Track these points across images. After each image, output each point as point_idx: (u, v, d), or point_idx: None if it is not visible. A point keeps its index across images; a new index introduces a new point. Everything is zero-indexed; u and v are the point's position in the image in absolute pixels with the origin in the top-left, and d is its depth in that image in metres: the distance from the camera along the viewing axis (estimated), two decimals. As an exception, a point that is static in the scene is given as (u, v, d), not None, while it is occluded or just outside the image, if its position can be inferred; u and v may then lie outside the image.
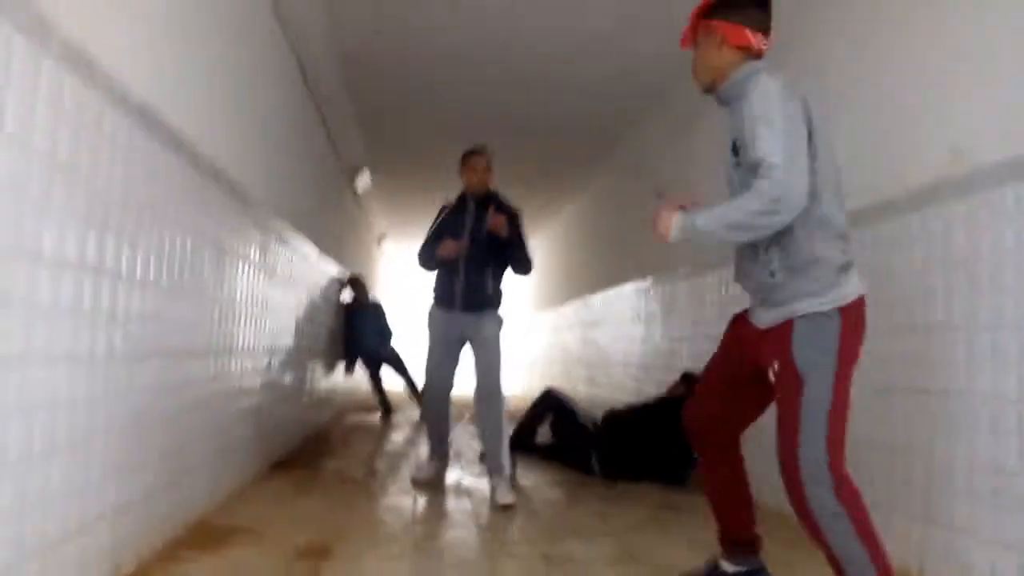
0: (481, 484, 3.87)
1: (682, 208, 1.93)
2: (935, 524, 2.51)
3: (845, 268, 1.86)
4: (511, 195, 3.97)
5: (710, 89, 2.08)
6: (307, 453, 4.63)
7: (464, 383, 3.85)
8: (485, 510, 3.32)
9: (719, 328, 4.42)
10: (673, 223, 1.90)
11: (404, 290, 15.53)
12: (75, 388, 1.76)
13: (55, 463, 1.69)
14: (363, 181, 7.28)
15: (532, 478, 4.14)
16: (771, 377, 1.86)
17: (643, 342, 5.98)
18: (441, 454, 3.99)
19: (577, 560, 2.57)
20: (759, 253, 1.91)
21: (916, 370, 2.65)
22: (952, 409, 2.47)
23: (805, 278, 1.83)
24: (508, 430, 3.71)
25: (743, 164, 1.88)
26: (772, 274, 1.88)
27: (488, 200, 3.79)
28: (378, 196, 8.82)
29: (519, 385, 12.85)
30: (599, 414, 4.91)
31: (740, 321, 2.10)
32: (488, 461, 3.65)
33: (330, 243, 6.04)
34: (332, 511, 3.09)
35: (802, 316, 1.83)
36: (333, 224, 6.31)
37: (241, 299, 3.24)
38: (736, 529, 2.22)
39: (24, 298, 1.53)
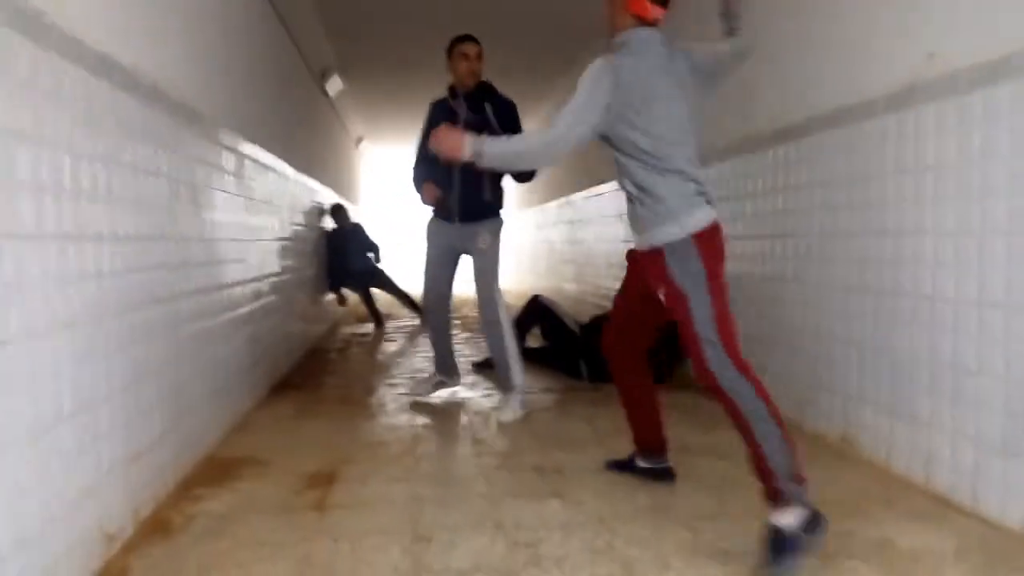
0: (475, 396, 4.04)
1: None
2: (901, 418, 2.67)
3: (691, 203, 2.19)
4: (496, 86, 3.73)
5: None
6: (306, 372, 4.77)
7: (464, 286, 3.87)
8: (480, 423, 3.48)
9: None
10: (465, 144, 2.21)
11: (384, 191, 15.45)
12: (75, 352, 1.82)
13: (64, 427, 1.77)
14: (334, 85, 7.10)
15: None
16: (663, 299, 2.23)
17: (627, 242, 6.05)
18: (447, 368, 4.03)
19: (567, 470, 2.74)
20: (630, 197, 2.31)
21: (887, 272, 2.74)
22: (918, 310, 2.58)
23: (656, 213, 2.21)
24: (512, 341, 3.66)
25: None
26: (636, 208, 2.28)
27: (481, 94, 3.62)
28: (353, 100, 8.61)
29: (508, 281, 13.02)
30: (586, 316, 5.05)
31: (633, 253, 2.45)
32: (499, 376, 3.74)
33: (306, 156, 5.95)
34: (335, 435, 3.23)
35: (667, 245, 2.18)
36: (308, 136, 6.19)
37: (223, 232, 3.25)
38: (646, 433, 2.65)
39: (10, 275, 1.56)
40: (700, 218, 2.19)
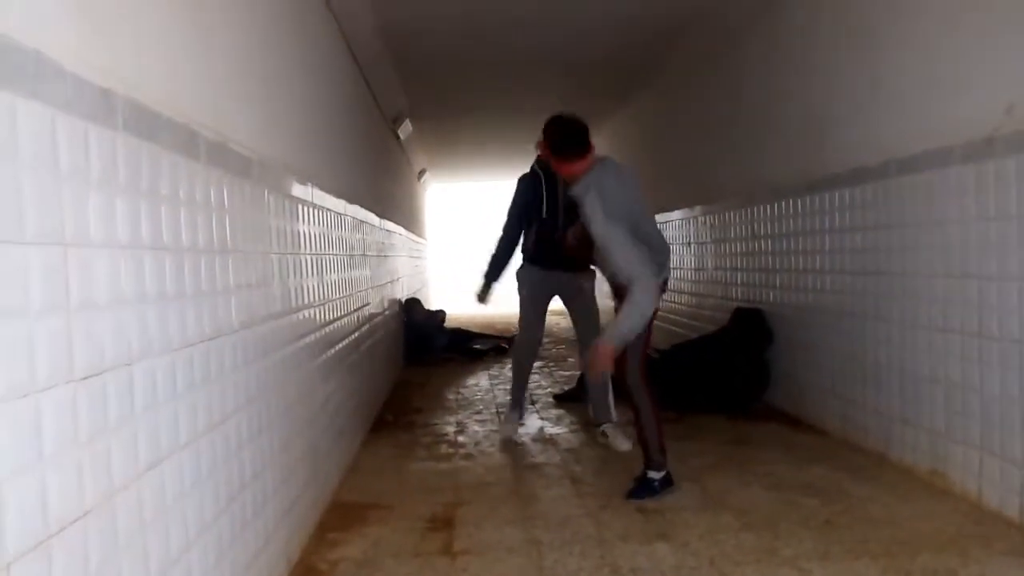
0: (562, 431, 4.24)
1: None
2: (993, 455, 2.76)
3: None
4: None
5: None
6: (396, 409, 5.03)
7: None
8: (572, 460, 3.68)
9: (772, 262, 4.63)
10: (606, 352, 2.91)
11: (441, 219, 15.96)
12: (252, 428, 2.08)
13: (247, 493, 2.03)
14: (405, 129, 7.45)
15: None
16: None
17: (696, 270, 6.18)
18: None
19: (667, 510, 2.91)
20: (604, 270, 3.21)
21: (972, 314, 2.85)
22: (1006, 353, 2.68)
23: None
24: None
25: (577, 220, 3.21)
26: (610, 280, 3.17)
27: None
28: (418, 137, 8.96)
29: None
30: (657, 344, 5.19)
31: None
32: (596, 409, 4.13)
33: (385, 202, 6.26)
34: (440, 476, 3.47)
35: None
36: (385, 182, 6.50)
37: (335, 291, 3.51)
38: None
39: (207, 372, 1.82)
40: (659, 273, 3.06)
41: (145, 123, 1.46)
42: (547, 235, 4.00)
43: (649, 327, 3.05)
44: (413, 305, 7.49)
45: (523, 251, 4.21)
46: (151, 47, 1.58)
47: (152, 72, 1.57)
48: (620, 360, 3.01)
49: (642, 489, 3.07)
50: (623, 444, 3.86)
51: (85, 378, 1.21)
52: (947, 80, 3.00)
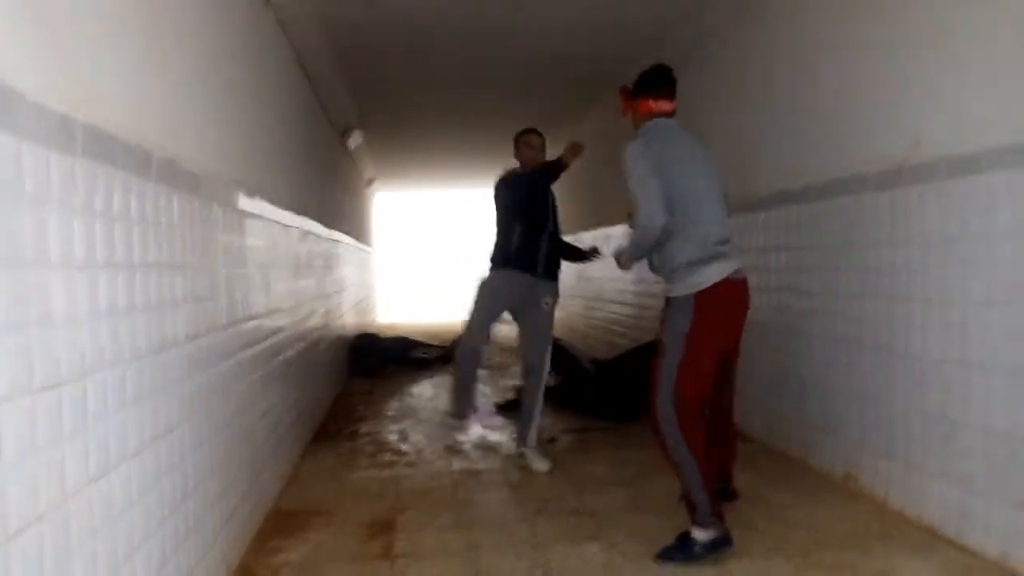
0: (504, 439, 4.36)
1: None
2: (897, 461, 3.00)
3: (697, 264, 2.59)
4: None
5: None
6: (339, 418, 5.08)
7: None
8: (511, 467, 3.80)
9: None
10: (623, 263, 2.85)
11: (388, 228, 15.97)
12: (193, 439, 2.14)
13: (189, 502, 2.09)
14: (355, 140, 7.49)
15: (546, 425, 4.63)
16: None
17: (637, 282, 6.39)
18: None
19: (600, 513, 3.06)
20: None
21: (883, 332, 3.08)
22: (909, 369, 2.91)
23: (668, 272, 2.67)
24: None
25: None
26: (654, 268, 2.78)
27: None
28: (368, 147, 9.01)
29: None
30: (597, 354, 5.38)
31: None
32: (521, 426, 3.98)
33: (333, 212, 6.30)
34: (382, 484, 3.55)
35: (674, 298, 2.65)
36: (333, 191, 6.53)
37: (279, 301, 3.57)
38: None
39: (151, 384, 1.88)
40: (707, 277, 2.58)
41: (102, 146, 1.53)
42: (536, 235, 3.87)
43: (696, 346, 2.55)
44: (365, 343, 7.34)
45: (502, 255, 3.92)
46: (108, 68, 1.66)
47: (109, 92, 1.64)
48: (650, 389, 2.62)
49: (676, 549, 2.57)
50: (541, 464, 3.75)
51: (43, 389, 1.28)
52: (862, 111, 3.23)
